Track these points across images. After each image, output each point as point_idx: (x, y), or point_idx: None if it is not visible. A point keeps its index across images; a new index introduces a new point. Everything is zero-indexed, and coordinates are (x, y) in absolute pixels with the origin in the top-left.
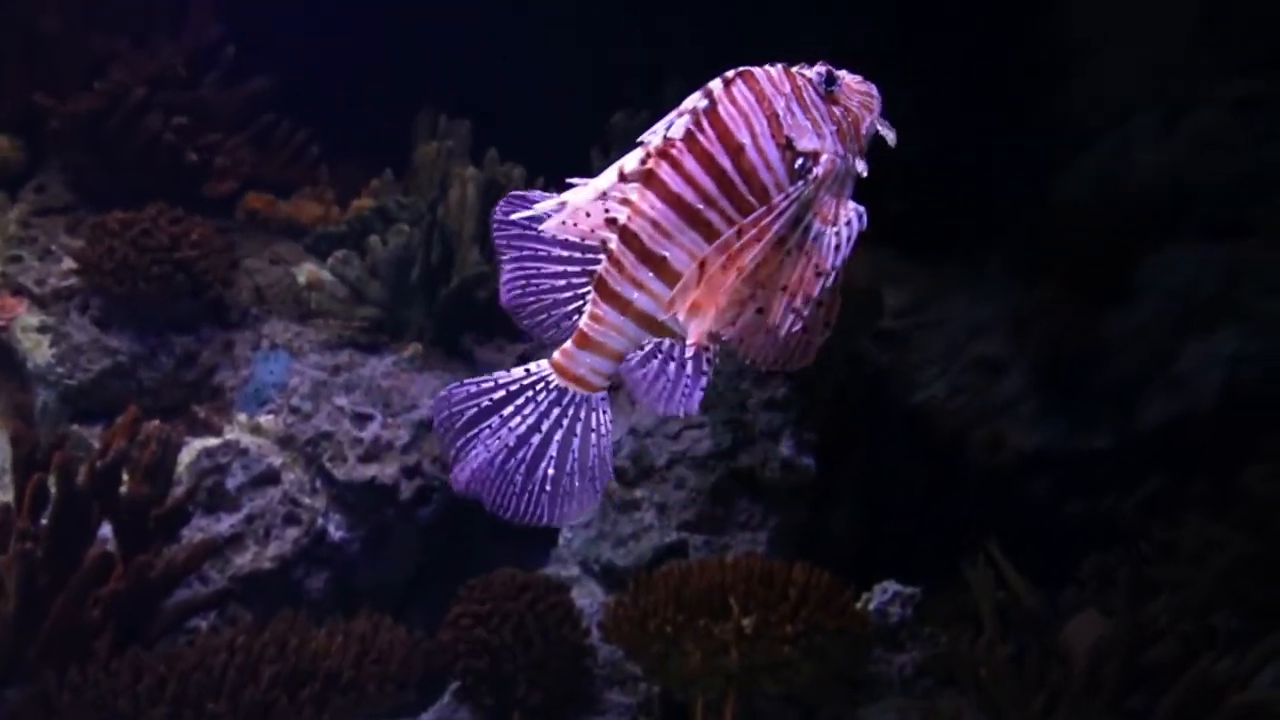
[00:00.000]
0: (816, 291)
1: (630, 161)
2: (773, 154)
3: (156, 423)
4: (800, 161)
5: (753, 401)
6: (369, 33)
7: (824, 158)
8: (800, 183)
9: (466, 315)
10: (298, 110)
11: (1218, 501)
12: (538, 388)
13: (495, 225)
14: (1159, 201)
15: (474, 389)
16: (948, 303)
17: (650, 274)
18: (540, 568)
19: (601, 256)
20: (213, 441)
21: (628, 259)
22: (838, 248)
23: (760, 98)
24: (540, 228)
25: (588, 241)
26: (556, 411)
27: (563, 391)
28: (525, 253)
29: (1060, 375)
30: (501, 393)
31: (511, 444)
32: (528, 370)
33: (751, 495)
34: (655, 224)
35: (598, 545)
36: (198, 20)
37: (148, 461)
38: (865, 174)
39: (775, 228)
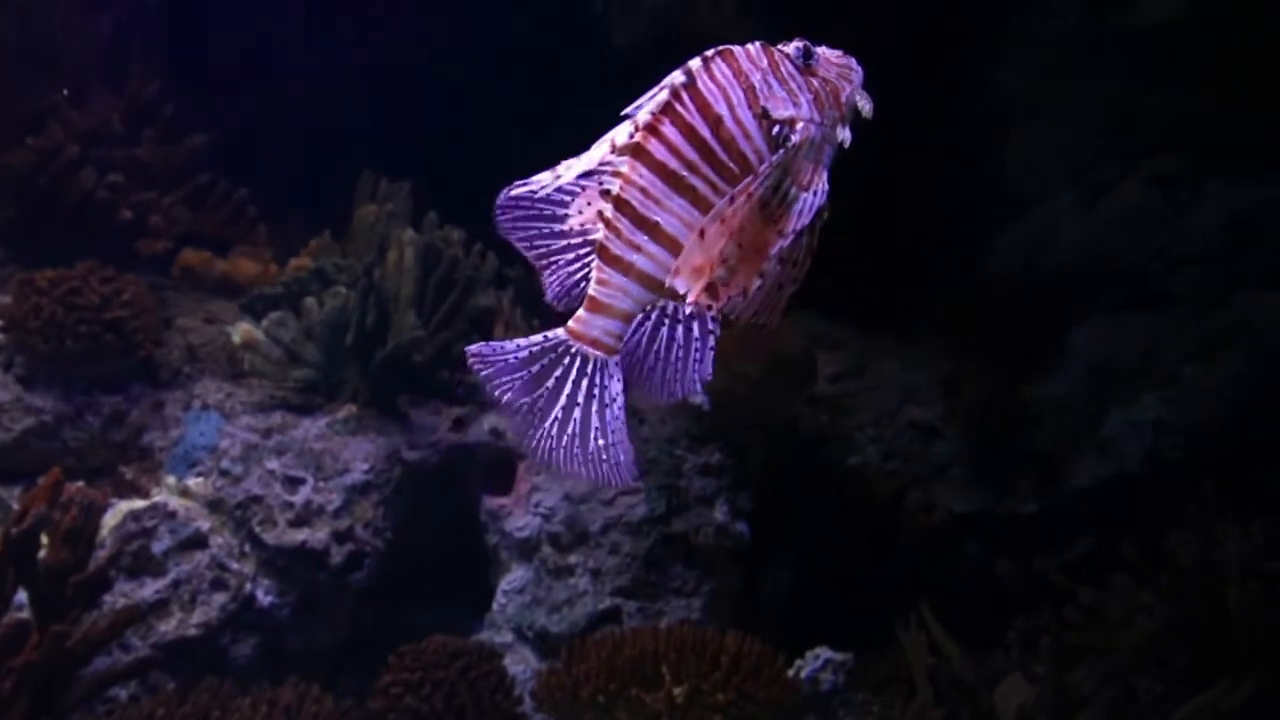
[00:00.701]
0: (774, 250)
1: (620, 135)
2: (750, 124)
3: (80, 485)
4: (777, 129)
5: (687, 467)
6: (312, 88)
7: (799, 125)
8: (781, 150)
9: (401, 378)
10: (238, 167)
11: (1143, 565)
12: (559, 350)
13: (500, 210)
14: (1082, 272)
15: (497, 347)
16: (881, 368)
17: (646, 238)
18: (475, 633)
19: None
20: (139, 504)
21: (623, 224)
22: (800, 213)
23: (737, 73)
24: (537, 191)
25: (591, 217)
26: (575, 374)
27: (585, 358)
28: (535, 233)
29: (990, 440)
30: (525, 354)
31: (547, 409)
32: (545, 336)
33: (686, 561)
34: (644, 191)
35: (532, 611)
36: (137, 76)
37: (68, 526)
38: (849, 142)
39: (760, 193)
